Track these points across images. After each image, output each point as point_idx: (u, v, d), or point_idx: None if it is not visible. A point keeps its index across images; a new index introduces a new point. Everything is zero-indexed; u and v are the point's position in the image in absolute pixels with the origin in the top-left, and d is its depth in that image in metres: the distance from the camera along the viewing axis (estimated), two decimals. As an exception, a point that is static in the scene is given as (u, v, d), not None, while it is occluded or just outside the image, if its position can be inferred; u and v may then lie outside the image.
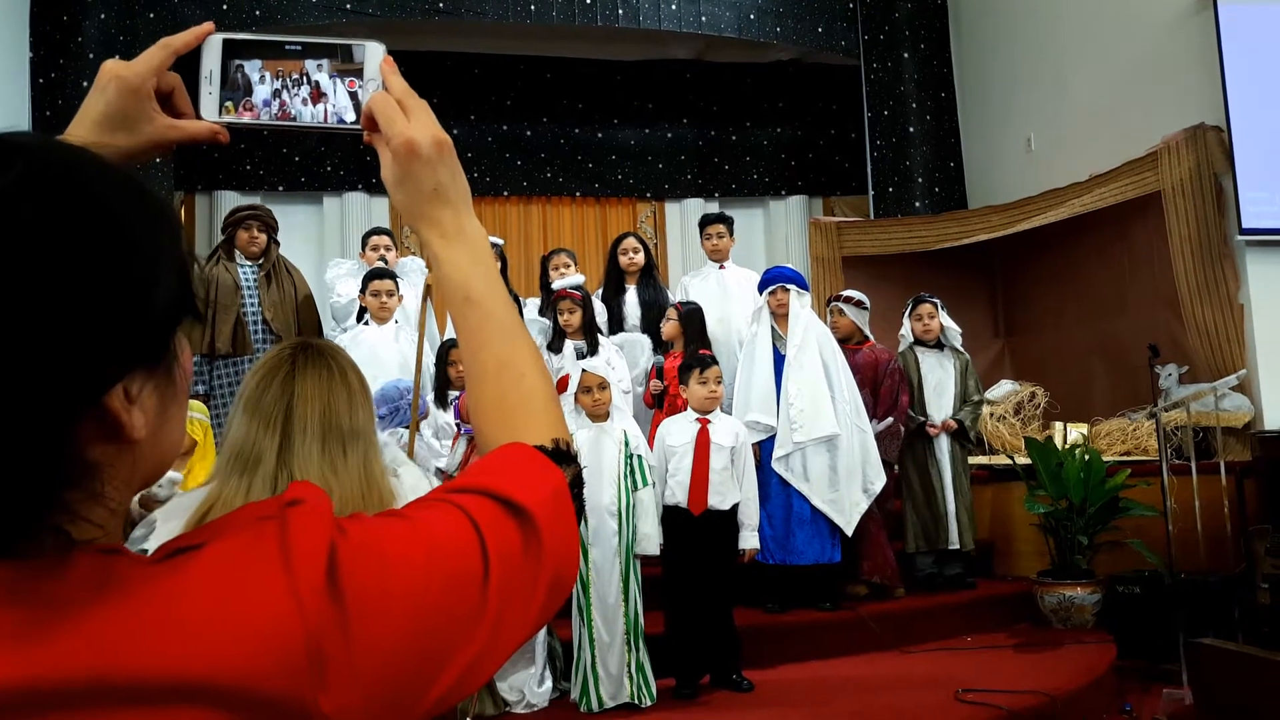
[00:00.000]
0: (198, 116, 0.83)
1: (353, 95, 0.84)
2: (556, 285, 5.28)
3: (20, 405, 0.49)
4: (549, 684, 3.84)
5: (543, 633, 3.84)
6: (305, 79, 0.84)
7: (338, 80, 0.84)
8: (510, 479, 0.69)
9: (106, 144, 0.78)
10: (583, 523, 3.38)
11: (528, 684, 3.76)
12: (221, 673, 0.49)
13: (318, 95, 0.84)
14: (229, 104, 0.83)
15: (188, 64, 0.84)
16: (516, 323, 0.82)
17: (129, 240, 0.54)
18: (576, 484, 0.76)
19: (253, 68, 0.84)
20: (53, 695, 0.46)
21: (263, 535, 0.54)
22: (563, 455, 0.76)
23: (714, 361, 4.17)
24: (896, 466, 5.09)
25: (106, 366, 0.53)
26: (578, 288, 5.14)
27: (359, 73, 0.84)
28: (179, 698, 0.48)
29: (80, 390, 0.52)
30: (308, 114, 0.84)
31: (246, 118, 0.83)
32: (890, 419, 5.02)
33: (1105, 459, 5.08)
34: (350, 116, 0.84)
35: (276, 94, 0.84)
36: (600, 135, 9.24)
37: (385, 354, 4.83)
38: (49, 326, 0.49)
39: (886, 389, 5.06)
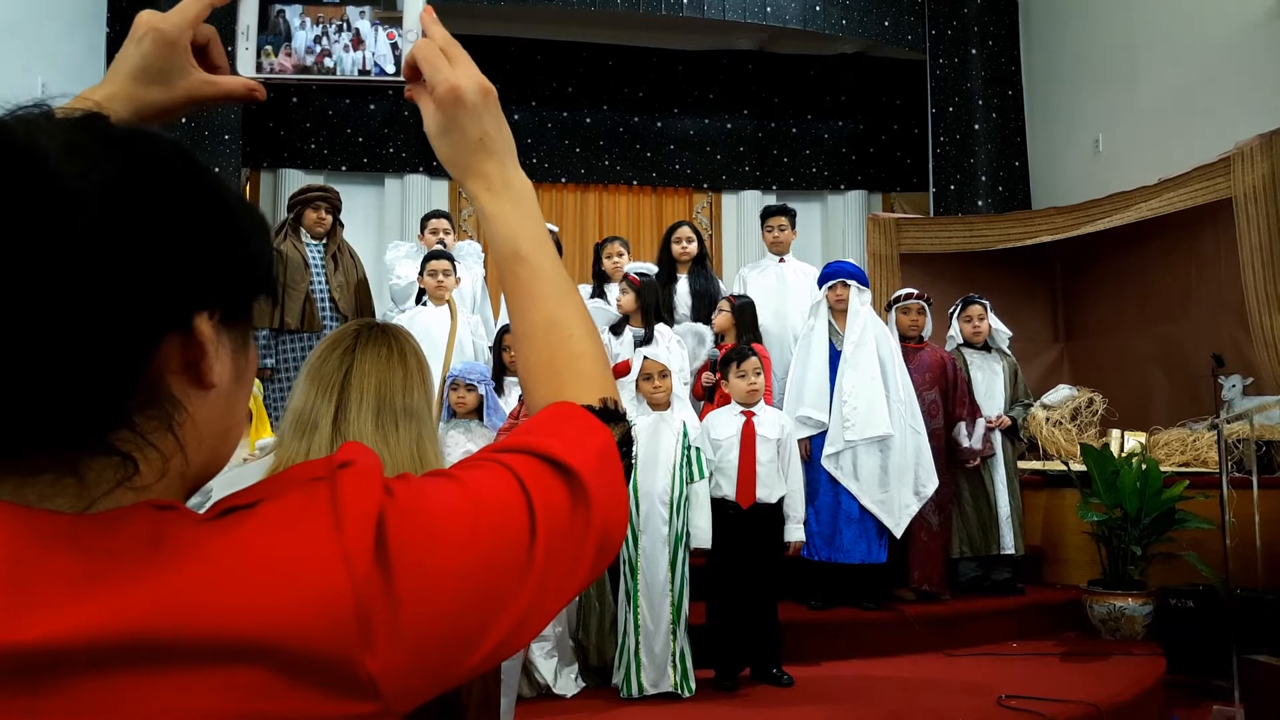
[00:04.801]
0: (233, 72, 0.81)
1: (393, 46, 0.82)
2: (627, 268, 5.31)
3: (117, 301, 0.50)
4: (572, 676, 3.85)
5: (563, 627, 3.86)
6: (346, 25, 0.82)
7: (379, 28, 0.82)
8: (557, 438, 0.68)
9: (141, 98, 0.78)
10: (634, 507, 3.39)
11: (549, 675, 3.78)
12: (273, 631, 0.50)
13: (358, 43, 0.82)
14: (269, 48, 0.81)
15: (222, 19, 0.82)
16: (565, 279, 0.80)
17: (232, 200, 0.59)
18: (625, 443, 0.74)
19: (293, 13, 0.82)
20: (112, 649, 0.47)
21: (315, 496, 0.55)
22: (611, 414, 0.74)
23: (751, 353, 4.15)
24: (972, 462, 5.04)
25: (199, 287, 0.55)
26: (642, 273, 5.14)
27: (398, 22, 0.82)
28: (231, 656, 0.49)
29: (172, 299, 0.53)
30: (348, 61, 0.82)
31: (287, 64, 0.81)
32: (981, 420, 5.00)
33: (1163, 469, 4.97)
34: (390, 68, 0.82)
35: (318, 40, 0.82)
36: (660, 124, 9.23)
37: (440, 335, 4.87)
38: (158, 241, 0.52)
39: (961, 390, 5.01)
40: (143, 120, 0.78)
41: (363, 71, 0.82)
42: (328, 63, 0.82)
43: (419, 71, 0.78)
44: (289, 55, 0.81)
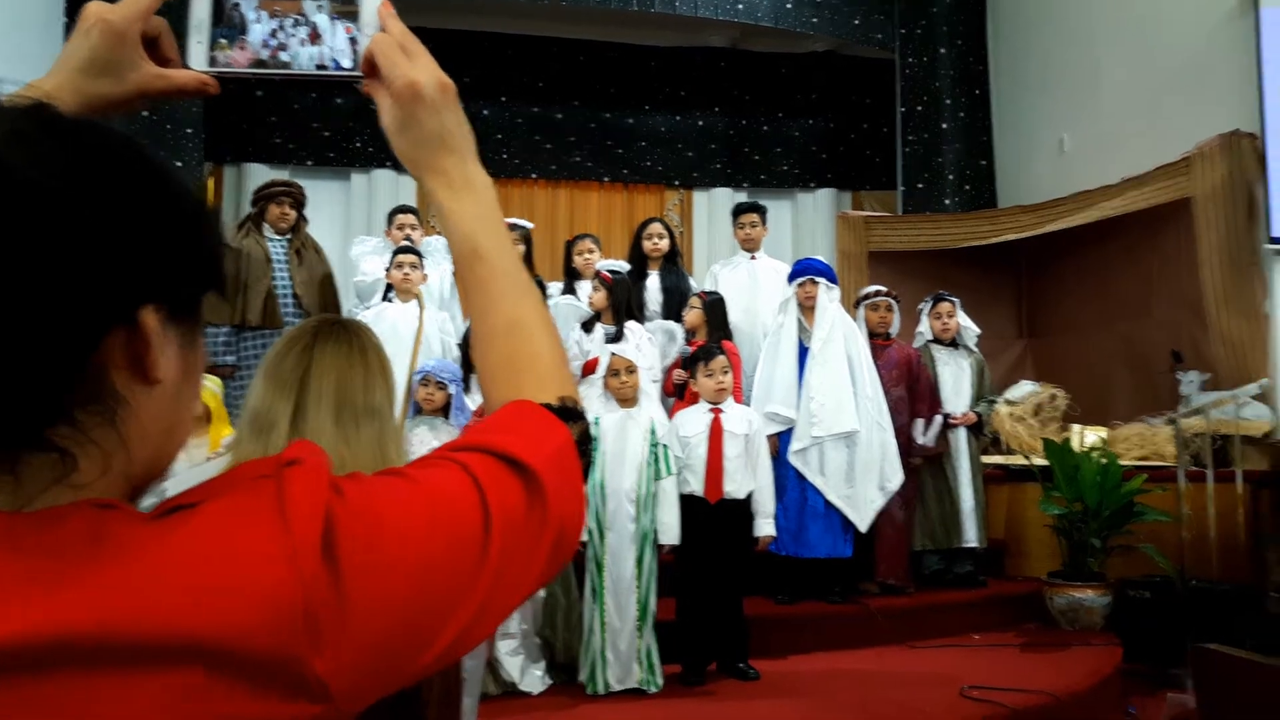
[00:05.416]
0: (185, 66, 0.79)
1: (350, 41, 0.80)
2: (598, 265, 5.32)
3: (61, 292, 0.49)
4: (538, 673, 3.85)
5: (529, 624, 3.87)
6: (303, 19, 0.81)
7: (337, 22, 0.81)
8: (514, 436, 0.67)
9: (89, 90, 0.76)
10: (600, 504, 3.35)
11: (515, 673, 3.78)
12: (217, 632, 0.49)
13: (315, 37, 0.80)
14: (223, 41, 0.79)
15: (175, 12, 0.80)
16: (525, 278, 0.80)
17: (181, 193, 0.58)
18: (584, 441, 0.74)
19: (249, 6, 0.80)
20: (51, 650, 0.46)
21: (260, 494, 0.54)
22: (570, 413, 0.74)
23: (720, 352, 4.18)
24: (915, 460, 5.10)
25: (146, 280, 0.54)
26: (613, 271, 5.16)
27: (356, 16, 0.80)
28: (175, 657, 0.48)
29: (117, 292, 0.52)
30: (305, 55, 0.80)
31: (241, 58, 0.79)
32: (939, 417, 5.07)
33: (1122, 463, 5.07)
34: (348, 63, 0.80)
35: (274, 34, 0.80)
36: (631, 121, 9.24)
37: (406, 331, 4.82)
38: (104, 232, 0.51)
39: (924, 386, 5.08)
40: (92, 113, 0.76)
41: (320, 67, 0.81)
42: (283, 57, 0.80)
43: (377, 67, 0.77)
44: (243, 49, 0.80)
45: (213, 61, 0.80)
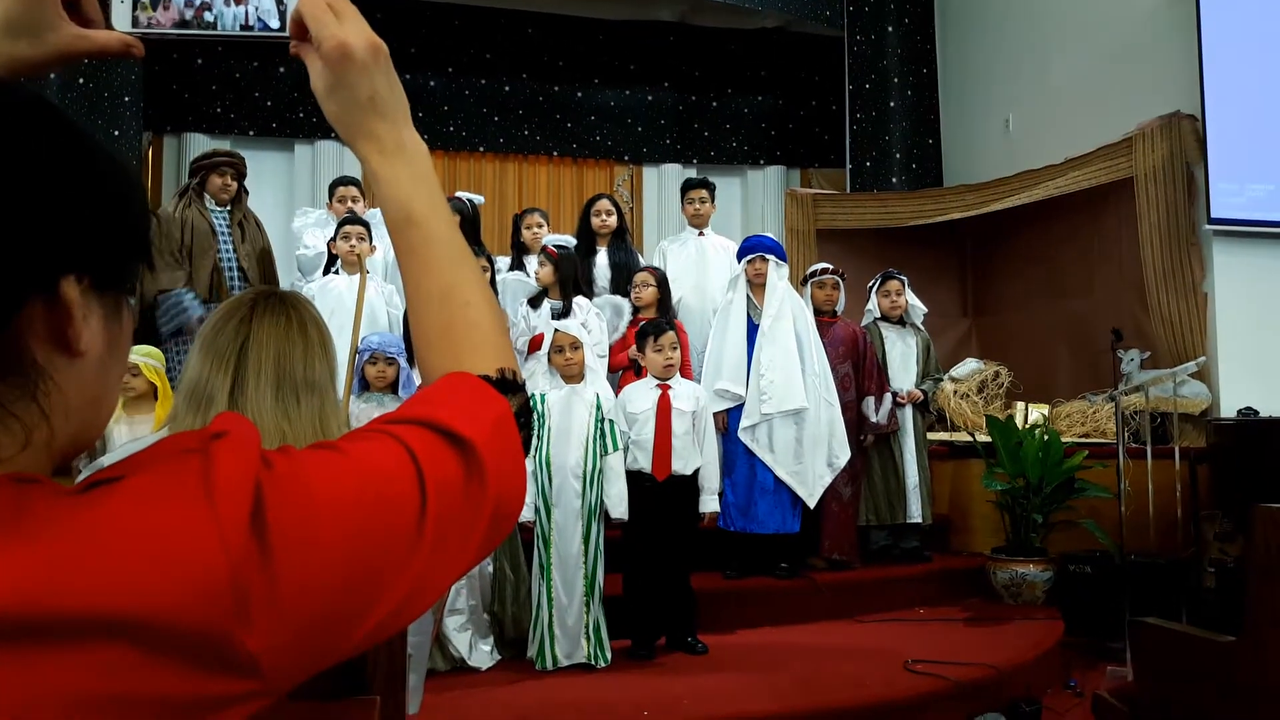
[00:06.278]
0: (109, 27, 0.77)
1: (277, 1, 0.79)
2: (545, 240, 5.27)
3: None
4: (487, 649, 3.84)
5: (477, 600, 3.85)
6: None
7: None
8: (451, 409, 0.66)
9: (7, 52, 0.73)
10: (547, 480, 3.33)
11: (464, 649, 3.76)
12: (142, 608, 0.47)
13: None
14: (146, 1, 0.78)
15: None
16: (461, 246, 0.78)
17: (103, 159, 0.57)
18: (523, 413, 0.73)
19: None
20: None
21: (186, 468, 0.52)
22: (508, 385, 0.73)
23: (669, 327, 4.17)
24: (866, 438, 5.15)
25: (65, 249, 0.53)
26: (560, 246, 5.10)
27: None
28: (98, 633, 0.47)
29: (35, 261, 0.51)
30: (230, 15, 0.79)
31: (164, 18, 0.77)
32: (888, 395, 5.10)
33: (1064, 440, 5.16)
34: (275, 23, 0.79)
35: None
36: (580, 95, 9.14)
37: (354, 304, 4.75)
38: (20, 198, 0.51)
39: (870, 363, 5.11)
40: (9, 75, 0.74)
41: (245, 27, 0.79)
42: (208, 17, 0.78)
43: (305, 28, 0.75)
44: (167, 9, 0.78)
45: (135, 22, 0.78)
